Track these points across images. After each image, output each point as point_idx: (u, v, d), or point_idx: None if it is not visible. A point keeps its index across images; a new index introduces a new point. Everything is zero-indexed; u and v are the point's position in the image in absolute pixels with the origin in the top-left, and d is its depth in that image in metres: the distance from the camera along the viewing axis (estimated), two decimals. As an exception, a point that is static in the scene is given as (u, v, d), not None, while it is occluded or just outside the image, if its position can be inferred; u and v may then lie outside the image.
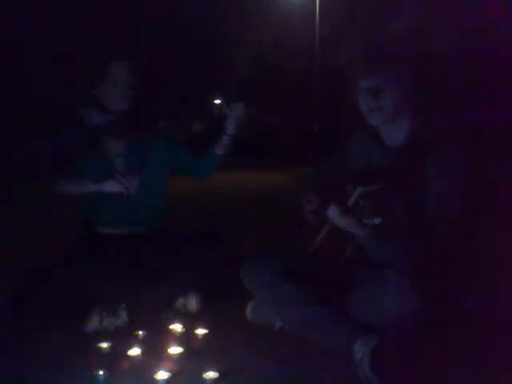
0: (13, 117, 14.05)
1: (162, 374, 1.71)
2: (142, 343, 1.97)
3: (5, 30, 14.51)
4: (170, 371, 1.73)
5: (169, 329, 2.13)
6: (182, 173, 2.59)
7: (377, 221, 1.68)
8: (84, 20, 15.05)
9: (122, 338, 2.03)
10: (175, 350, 1.91)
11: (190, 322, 2.16)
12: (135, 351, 1.91)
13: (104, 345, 1.96)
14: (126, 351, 1.91)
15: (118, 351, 1.93)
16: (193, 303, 2.35)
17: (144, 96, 2.42)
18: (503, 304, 2.25)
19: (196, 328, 2.11)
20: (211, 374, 1.71)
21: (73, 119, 2.43)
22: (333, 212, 1.76)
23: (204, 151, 2.55)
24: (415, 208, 1.77)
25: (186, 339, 2.04)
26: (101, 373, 1.73)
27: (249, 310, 2.26)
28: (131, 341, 1.98)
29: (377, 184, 1.67)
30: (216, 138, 2.52)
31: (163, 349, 1.93)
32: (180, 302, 2.36)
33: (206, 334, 2.09)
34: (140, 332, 2.09)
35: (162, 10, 16.29)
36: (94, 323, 2.15)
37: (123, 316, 2.21)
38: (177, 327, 2.13)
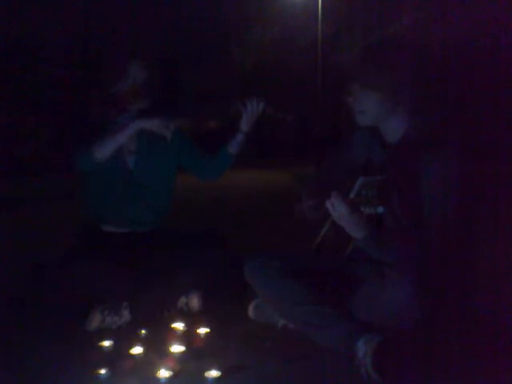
0: (27, 115, 14.15)
1: (163, 373, 1.71)
2: (144, 342, 1.97)
3: (21, 30, 14.61)
4: (172, 370, 1.73)
5: (171, 328, 2.13)
6: (193, 173, 2.57)
7: (380, 210, 1.68)
8: (102, 21, 15.16)
9: (124, 337, 2.04)
10: (177, 348, 1.91)
11: (192, 321, 2.16)
12: (137, 350, 1.91)
13: (106, 343, 1.96)
14: (128, 350, 1.91)
15: (120, 350, 1.93)
16: (195, 302, 2.35)
17: (159, 95, 2.41)
18: (504, 303, 2.25)
19: (198, 327, 2.11)
20: (213, 373, 1.71)
21: (89, 116, 2.44)
22: (334, 205, 1.75)
23: (217, 150, 2.53)
24: (413, 206, 1.77)
25: (187, 338, 2.04)
26: (103, 371, 1.73)
27: (251, 309, 2.26)
28: (133, 339, 1.99)
29: (378, 174, 1.67)
30: (230, 137, 2.50)
31: (165, 348, 1.93)
32: (182, 300, 2.37)
33: (207, 333, 2.09)
34: (142, 331, 2.09)
35: (178, 10, 16.38)
36: (96, 322, 2.16)
37: (125, 315, 2.21)
38: (179, 326, 2.13)
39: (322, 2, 15.76)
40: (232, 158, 2.50)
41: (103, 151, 2.25)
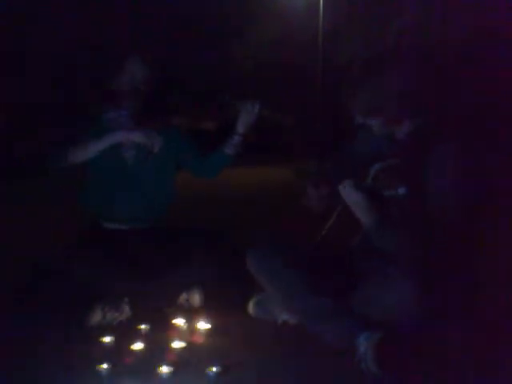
0: (22, 112, 14.14)
1: (164, 369, 1.71)
2: (145, 338, 1.98)
3: (17, 25, 14.57)
4: (173, 366, 1.73)
5: (172, 323, 2.13)
6: (189, 170, 2.57)
7: (402, 190, 1.68)
8: (96, 18, 15.10)
9: (125, 333, 2.04)
10: (178, 344, 1.92)
11: (193, 317, 2.16)
12: (138, 346, 1.91)
13: (107, 339, 1.97)
14: (129, 346, 1.91)
15: (121, 346, 1.93)
16: (195, 298, 2.36)
17: (156, 92, 2.41)
18: (505, 301, 2.25)
19: (199, 323, 2.11)
20: (214, 369, 1.71)
21: (86, 113, 2.44)
22: (348, 188, 1.75)
23: (213, 150, 2.53)
24: (420, 199, 1.77)
25: (188, 334, 2.05)
26: (104, 367, 1.73)
27: (251, 306, 2.26)
28: (134, 335, 1.99)
29: (391, 160, 1.68)
30: (226, 137, 2.51)
31: (166, 343, 1.93)
32: (183, 296, 2.37)
33: (208, 329, 2.09)
34: (143, 326, 2.09)
35: (174, 6, 16.31)
36: (97, 318, 2.16)
37: (126, 310, 2.21)
38: (180, 322, 2.13)
39: (323, 1, 15.73)
40: (229, 158, 2.50)
41: (74, 157, 2.29)
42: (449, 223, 1.75)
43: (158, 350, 1.90)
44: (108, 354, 1.86)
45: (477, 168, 1.81)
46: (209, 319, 2.12)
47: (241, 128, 2.46)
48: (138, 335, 2.00)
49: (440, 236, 1.73)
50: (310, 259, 2.03)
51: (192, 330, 2.09)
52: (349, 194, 1.77)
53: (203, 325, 2.10)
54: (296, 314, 2.02)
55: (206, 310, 2.28)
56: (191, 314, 2.21)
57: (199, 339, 2.04)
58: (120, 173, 2.35)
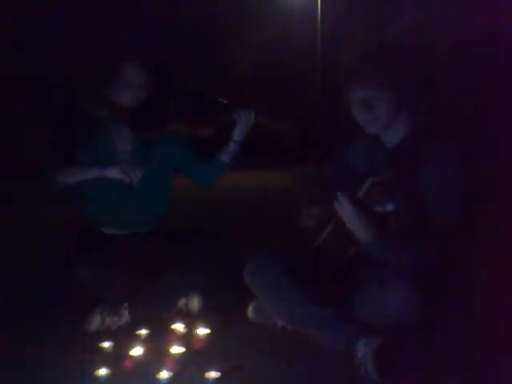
0: (21, 116, 14.17)
1: (164, 374, 1.71)
2: (144, 343, 1.97)
3: (13, 29, 14.59)
4: (172, 371, 1.73)
5: (171, 329, 2.13)
6: (187, 176, 2.57)
7: (390, 207, 1.69)
8: (95, 21, 15.12)
9: (124, 338, 2.04)
10: (177, 349, 1.92)
11: (192, 322, 2.16)
12: (137, 351, 1.91)
13: (106, 344, 1.96)
14: (128, 351, 1.91)
15: (120, 351, 1.93)
16: (195, 303, 2.36)
17: (154, 97, 2.40)
18: (504, 304, 2.25)
19: (198, 328, 2.11)
20: (213, 374, 1.71)
21: (83, 118, 2.44)
22: (342, 203, 1.75)
23: (210, 157, 2.52)
24: (416, 207, 1.77)
25: (187, 339, 2.05)
26: (103, 372, 1.73)
27: (250, 310, 2.26)
28: (133, 340, 1.99)
29: (385, 174, 1.69)
30: (223, 145, 2.50)
31: (165, 348, 1.93)
32: (182, 301, 2.37)
33: (207, 334, 2.09)
34: (142, 332, 2.09)
35: (170, 11, 16.31)
36: (96, 323, 2.16)
37: (125, 316, 2.21)
38: (179, 327, 2.13)
39: (321, 2, 15.73)
40: (225, 166, 2.50)
41: (64, 181, 2.29)
42: (446, 228, 1.75)
43: (157, 356, 1.89)
44: (107, 359, 1.85)
45: (473, 174, 1.82)
46: (208, 324, 2.12)
47: (237, 136, 2.46)
48: (137, 340, 2.00)
49: (439, 243, 1.73)
50: (308, 268, 2.03)
51: (191, 335, 2.09)
52: (341, 207, 1.77)
53: (202, 330, 2.10)
54: (295, 324, 2.01)
55: (204, 314, 2.28)
56: (190, 319, 2.21)
57: (198, 344, 2.04)
58: (117, 180, 2.34)
